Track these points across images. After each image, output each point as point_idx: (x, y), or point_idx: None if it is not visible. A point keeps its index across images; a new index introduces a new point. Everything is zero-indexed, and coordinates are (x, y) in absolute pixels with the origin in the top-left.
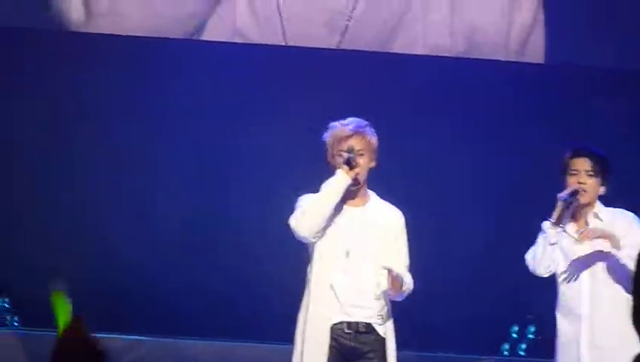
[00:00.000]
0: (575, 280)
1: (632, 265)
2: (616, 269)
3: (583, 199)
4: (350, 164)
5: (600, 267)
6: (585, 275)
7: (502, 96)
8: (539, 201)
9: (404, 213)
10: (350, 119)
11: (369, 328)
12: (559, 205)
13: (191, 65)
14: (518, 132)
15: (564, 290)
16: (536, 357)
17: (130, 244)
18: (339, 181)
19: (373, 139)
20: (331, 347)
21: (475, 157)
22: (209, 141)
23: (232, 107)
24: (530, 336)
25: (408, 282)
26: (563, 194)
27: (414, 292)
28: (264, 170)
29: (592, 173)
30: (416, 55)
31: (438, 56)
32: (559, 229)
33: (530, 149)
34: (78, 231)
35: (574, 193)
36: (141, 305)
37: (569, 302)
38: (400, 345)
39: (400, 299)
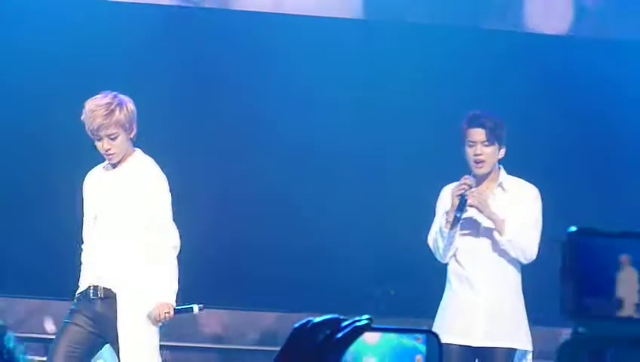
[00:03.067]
0: (470, 251)
1: (512, 251)
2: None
3: (482, 170)
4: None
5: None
6: (479, 249)
7: None
8: None
9: None
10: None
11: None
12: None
13: None
14: None
15: (460, 260)
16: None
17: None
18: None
19: None
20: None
21: None
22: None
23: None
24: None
25: None
26: (454, 210)
27: None
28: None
29: (487, 142)
30: None
31: None
32: (455, 228)
33: None
34: None
35: (463, 202)
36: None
37: (463, 272)
38: None
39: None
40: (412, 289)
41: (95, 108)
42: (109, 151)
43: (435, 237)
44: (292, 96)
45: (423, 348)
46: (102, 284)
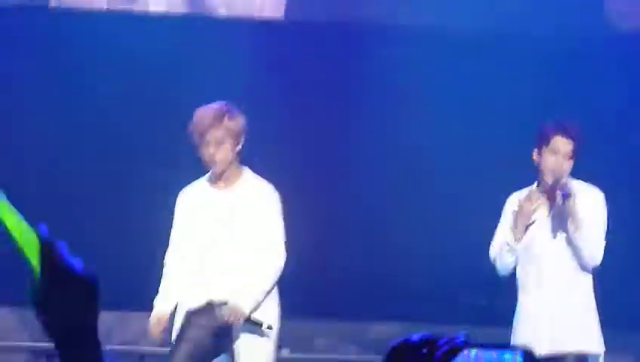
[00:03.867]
0: (536, 260)
1: (584, 251)
2: (580, 254)
3: (554, 182)
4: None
5: (561, 248)
6: (548, 249)
7: None
8: None
9: None
10: None
11: None
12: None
13: None
14: None
15: (526, 263)
16: None
17: None
18: None
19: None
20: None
21: None
22: None
23: None
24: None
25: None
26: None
27: None
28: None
29: (571, 154)
30: None
31: None
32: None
33: None
34: None
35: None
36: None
37: (530, 280)
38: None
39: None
40: (504, 299)
41: (205, 112)
42: (215, 157)
43: (499, 249)
44: (391, 101)
45: None
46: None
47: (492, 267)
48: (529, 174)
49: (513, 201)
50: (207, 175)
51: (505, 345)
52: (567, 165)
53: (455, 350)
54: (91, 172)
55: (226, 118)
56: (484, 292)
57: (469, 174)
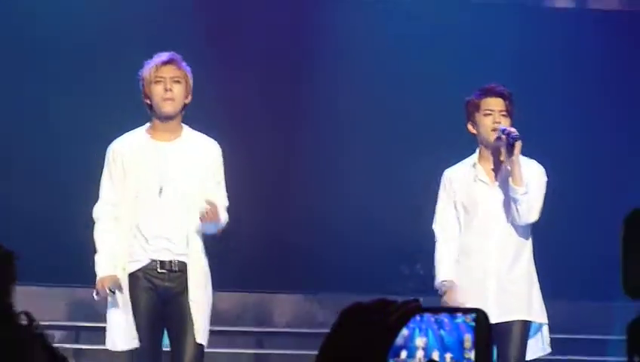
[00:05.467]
0: (485, 225)
1: (523, 205)
2: (518, 208)
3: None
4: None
5: (509, 214)
6: (494, 221)
7: None
8: None
9: None
10: None
11: (182, 266)
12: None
13: None
14: None
15: (473, 234)
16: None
17: None
18: None
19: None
20: (146, 288)
21: None
22: None
23: None
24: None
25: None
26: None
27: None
28: None
29: (504, 112)
30: None
31: None
32: None
33: None
34: None
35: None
36: None
37: (475, 246)
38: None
39: (212, 232)
40: None
41: (162, 55)
42: (168, 95)
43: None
44: (319, 79)
45: (471, 327)
46: (175, 258)
47: (430, 238)
48: (463, 150)
49: (450, 176)
50: (144, 127)
51: (457, 309)
52: (506, 121)
53: (408, 314)
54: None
55: (182, 63)
56: (421, 262)
57: (403, 146)
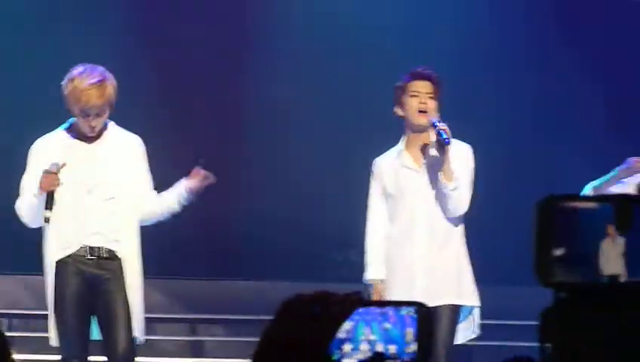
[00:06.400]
0: (412, 213)
1: (453, 200)
2: (448, 203)
3: (425, 120)
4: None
5: (436, 199)
6: (421, 207)
7: None
8: None
9: None
10: None
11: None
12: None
13: None
14: None
15: (401, 222)
16: None
17: None
18: None
19: None
20: (74, 274)
21: None
22: None
23: None
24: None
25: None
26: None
27: None
28: None
29: (432, 94)
30: None
31: None
32: None
33: None
34: None
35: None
36: None
37: (403, 234)
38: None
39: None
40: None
41: (89, 87)
42: (95, 128)
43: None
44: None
45: (414, 319)
46: (105, 246)
47: (360, 225)
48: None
49: (379, 165)
50: (65, 126)
51: (401, 302)
52: (432, 104)
53: (350, 307)
54: None
55: (108, 89)
56: (339, 248)
57: (338, 134)
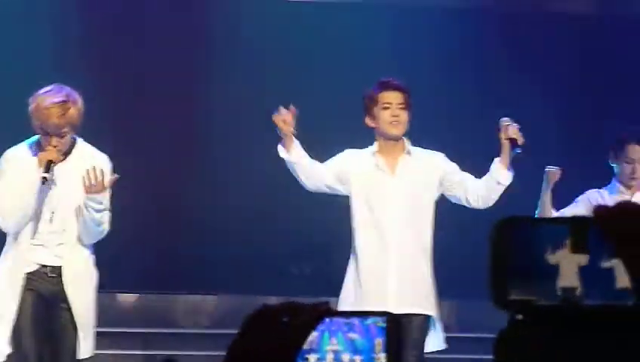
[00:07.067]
0: (384, 214)
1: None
2: (423, 208)
3: (398, 131)
4: None
5: (409, 204)
6: (394, 211)
7: None
8: None
9: None
10: None
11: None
12: None
13: None
14: None
15: (369, 226)
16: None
17: None
18: None
19: None
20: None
21: None
22: None
23: None
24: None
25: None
26: None
27: None
28: None
29: (403, 105)
30: None
31: None
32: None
33: None
34: None
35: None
36: None
37: (373, 237)
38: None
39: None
40: (328, 268)
41: (50, 105)
42: (57, 148)
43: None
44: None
45: (381, 329)
46: (57, 264)
47: (318, 236)
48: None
49: (348, 154)
50: (32, 142)
51: (367, 312)
52: (404, 115)
53: (317, 316)
54: None
55: (71, 110)
56: (307, 262)
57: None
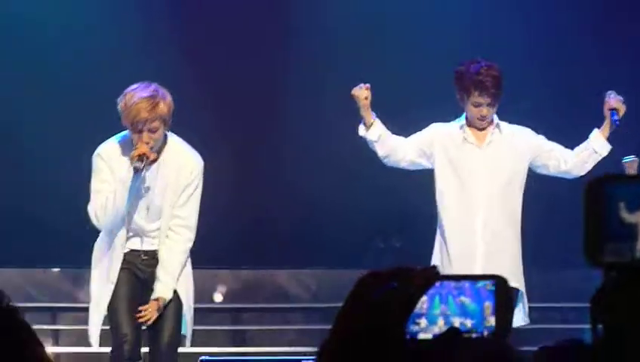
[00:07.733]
0: (472, 189)
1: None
2: (512, 181)
3: (483, 125)
4: None
5: (498, 177)
6: (483, 184)
7: None
8: None
9: None
10: None
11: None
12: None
13: None
14: None
15: (457, 200)
16: None
17: None
18: None
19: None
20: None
21: None
22: None
23: None
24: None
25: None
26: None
27: None
28: None
29: (492, 104)
30: None
31: None
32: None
33: None
34: None
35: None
36: None
37: (461, 211)
38: None
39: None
40: (416, 242)
41: (139, 100)
42: (149, 145)
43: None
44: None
45: (491, 292)
46: (151, 248)
47: (403, 210)
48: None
49: (436, 128)
50: (124, 139)
51: (477, 276)
52: (492, 111)
53: (428, 281)
54: None
55: (160, 105)
56: (396, 235)
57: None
